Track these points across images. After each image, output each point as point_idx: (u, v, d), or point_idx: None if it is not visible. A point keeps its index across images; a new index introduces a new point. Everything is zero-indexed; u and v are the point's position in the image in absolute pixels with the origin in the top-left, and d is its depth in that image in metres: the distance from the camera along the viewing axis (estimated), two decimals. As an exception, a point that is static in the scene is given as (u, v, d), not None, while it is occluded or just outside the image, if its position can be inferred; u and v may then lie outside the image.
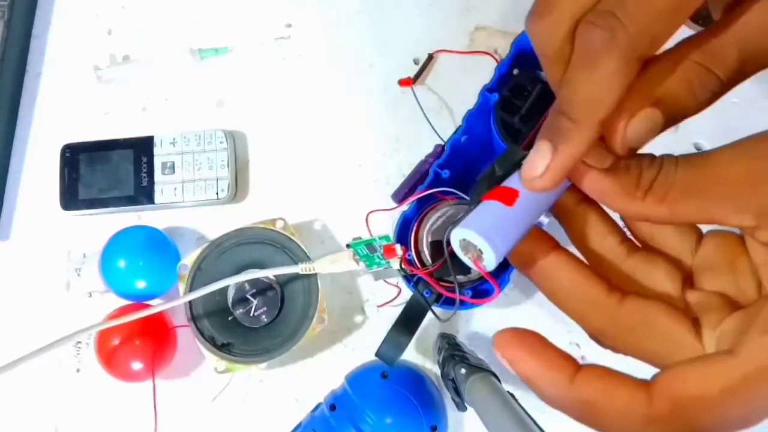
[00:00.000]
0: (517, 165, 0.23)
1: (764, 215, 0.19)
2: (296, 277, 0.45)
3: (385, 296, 0.47)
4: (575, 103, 0.20)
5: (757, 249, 0.20)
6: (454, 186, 0.42)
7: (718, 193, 0.19)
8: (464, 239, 0.22)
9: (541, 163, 0.20)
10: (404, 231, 0.44)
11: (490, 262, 0.22)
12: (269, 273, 0.43)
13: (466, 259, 0.23)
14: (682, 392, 0.18)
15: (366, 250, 0.39)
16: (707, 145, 0.49)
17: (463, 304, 0.38)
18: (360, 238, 0.38)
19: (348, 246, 0.38)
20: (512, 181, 0.23)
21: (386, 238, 0.37)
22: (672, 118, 0.20)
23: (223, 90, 0.52)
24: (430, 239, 0.42)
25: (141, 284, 0.45)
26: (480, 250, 0.22)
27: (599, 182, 0.21)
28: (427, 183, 0.43)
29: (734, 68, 0.20)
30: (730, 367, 0.18)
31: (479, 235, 0.21)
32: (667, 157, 0.20)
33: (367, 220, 0.46)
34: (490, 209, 0.22)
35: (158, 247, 0.46)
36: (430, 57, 0.51)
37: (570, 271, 0.22)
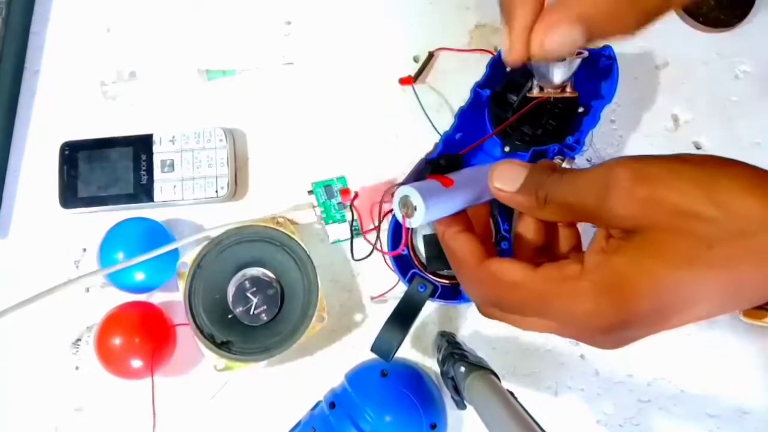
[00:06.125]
0: (457, 166, 0.30)
1: (605, 219, 0.25)
2: (296, 275, 0.45)
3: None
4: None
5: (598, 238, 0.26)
6: None
7: (581, 200, 0.25)
8: (406, 195, 0.27)
9: (506, 43, 0.28)
10: (399, 226, 0.44)
11: (418, 218, 0.27)
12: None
13: (399, 215, 0.28)
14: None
15: (325, 195, 0.45)
16: (707, 143, 0.49)
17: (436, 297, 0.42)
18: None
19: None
20: (452, 175, 0.30)
21: (342, 179, 0.45)
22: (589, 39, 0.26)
23: (222, 89, 0.51)
24: (423, 232, 0.43)
25: (139, 276, 0.45)
26: (415, 207, 0.27)
27: (515, 200, 0.28)
28: None
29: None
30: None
31: (419, 195, 0.27)
32: (551, 178, 0.27)
33: (371, 213, 0.46)
34: (431, 184, 0.28)
35: (157, 238, 0.46)
36: (431, 55, 0.50)
37: (465, 239, 0.29)
